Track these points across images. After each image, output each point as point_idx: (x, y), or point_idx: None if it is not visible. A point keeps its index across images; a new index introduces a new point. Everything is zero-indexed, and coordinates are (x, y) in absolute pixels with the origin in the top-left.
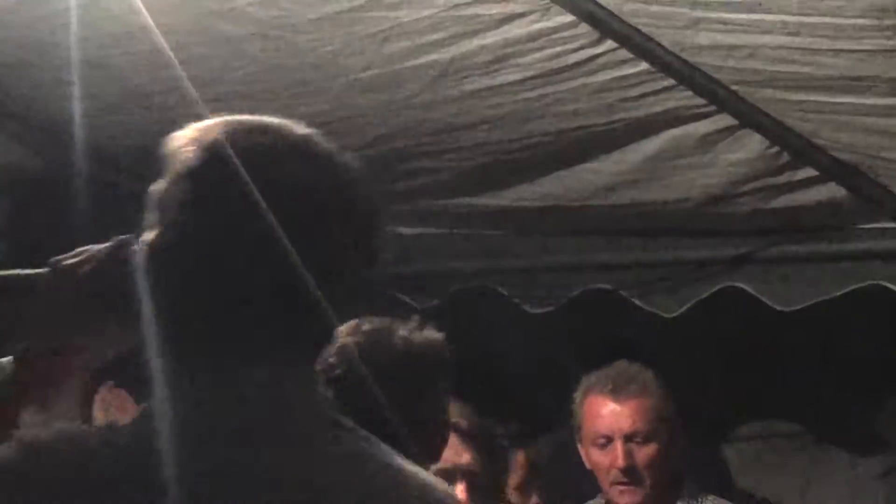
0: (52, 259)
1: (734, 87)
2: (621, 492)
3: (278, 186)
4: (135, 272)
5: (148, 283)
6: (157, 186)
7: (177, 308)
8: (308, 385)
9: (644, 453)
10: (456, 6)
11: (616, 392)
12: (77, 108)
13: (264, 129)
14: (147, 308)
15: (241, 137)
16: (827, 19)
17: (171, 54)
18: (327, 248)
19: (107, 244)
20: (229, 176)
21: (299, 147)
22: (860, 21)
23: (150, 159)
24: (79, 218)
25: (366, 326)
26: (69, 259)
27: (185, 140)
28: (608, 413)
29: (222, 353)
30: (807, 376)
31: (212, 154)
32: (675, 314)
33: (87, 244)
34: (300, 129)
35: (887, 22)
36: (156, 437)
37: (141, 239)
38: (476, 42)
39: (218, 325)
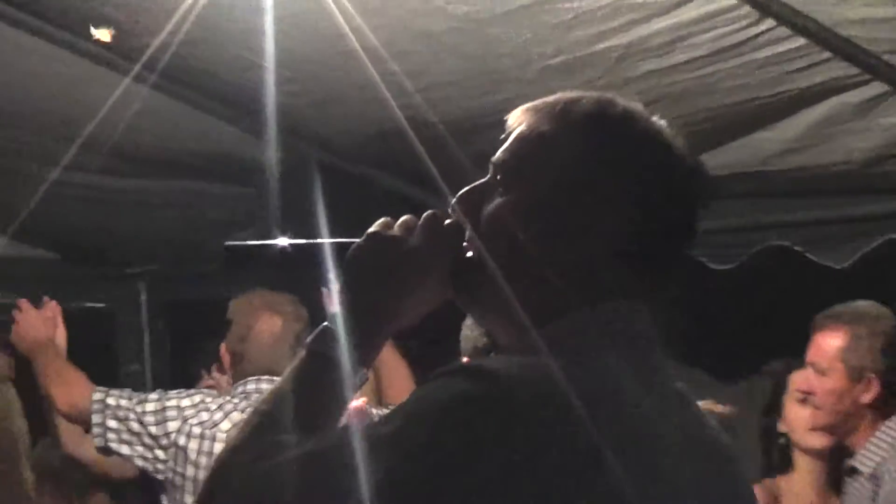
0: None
1: (886, 57)
2: None
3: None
4: (457, 241)
5: (503, 242)
6: (504, 154)
7: (546, 261)
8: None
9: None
10: None
11: None
12: (296, 101)
13: (608, 103)
14: (497, 268)
15: (589, 110)
16: None
17: (384, 51)
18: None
19: (417, 216)
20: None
21: (641, 120)
22: None
23: (366, 144)
24: (299, 195)
25: None
26: (382, 228)
27: (527, 113)
28: None
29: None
30: None
31: (565, 123)
32: (843, 266)
33: (317, 217)
34: (630, 104)
35: None
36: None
37: (494, 201)
38: (650, 27)
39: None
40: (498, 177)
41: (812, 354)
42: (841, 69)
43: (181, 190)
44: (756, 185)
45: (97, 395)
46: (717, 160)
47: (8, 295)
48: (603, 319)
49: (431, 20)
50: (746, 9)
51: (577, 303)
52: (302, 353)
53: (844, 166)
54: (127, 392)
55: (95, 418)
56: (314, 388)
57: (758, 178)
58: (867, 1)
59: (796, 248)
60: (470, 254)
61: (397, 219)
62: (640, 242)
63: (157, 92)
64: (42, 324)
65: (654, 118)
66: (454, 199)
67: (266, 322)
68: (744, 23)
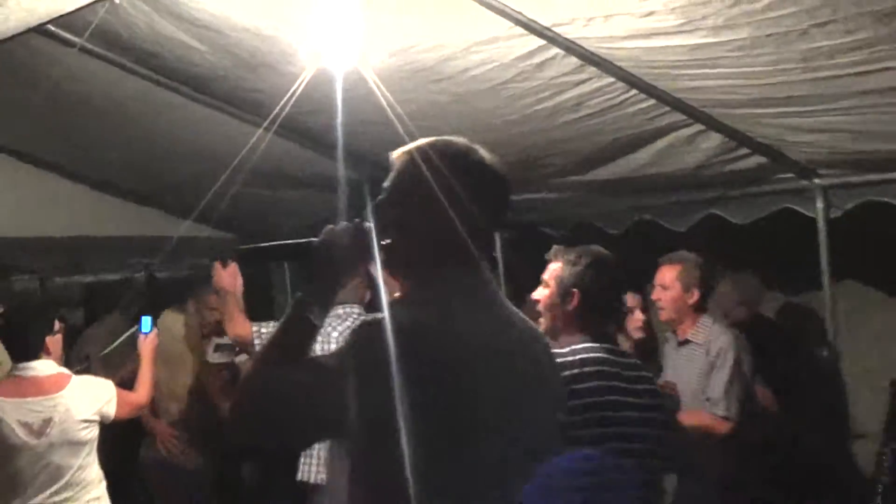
0: (326, 228)
1: (703, 109)
2: None
3: (459, 173)
4: (372, 239)
5: (396, 236)
6: (389, 182)
7: (431, 241)
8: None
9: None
10: (553, 77)
11: None
12: (366, 147)
13: (451, 143)
14: (406, 251)
15: (435, 149)
16: (748, 69)
17: (406, 117)
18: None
19: (348, 224)
20: (435, 168)
21: (468, 152)
22: (767, 69)
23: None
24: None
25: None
26: (329, 233)
27: (402, 154)
28: None
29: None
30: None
31: (420, 158)
32: (683, 230)
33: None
34: (463, 141)
35: (782, 67)
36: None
37: (377, 217)
38: (565, 95)
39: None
40: (387, 196)
41: (659, 278)
42: (676, 117)
43: (299, 196)
44: (632, 184)
45: (254, 328)
46: (610, 171)
47: (200, 259)
48: (457, 276)
49: (438, 96)
50: (619, 84)
51: (443, 267)
52: (288, 312)
53: (681, 172)
54: (273, 323)
55: (256, 343)
56: (295, 333)
57: (633, 181)
58: (689, 77)
59: (657, 220)
60: (383, 244)
61: None
62: (480, 225)
63: (277, 137)
64: (229, 276)
65: (480, 148)
66: (370, 213)
67: None
68: (618, 92)
